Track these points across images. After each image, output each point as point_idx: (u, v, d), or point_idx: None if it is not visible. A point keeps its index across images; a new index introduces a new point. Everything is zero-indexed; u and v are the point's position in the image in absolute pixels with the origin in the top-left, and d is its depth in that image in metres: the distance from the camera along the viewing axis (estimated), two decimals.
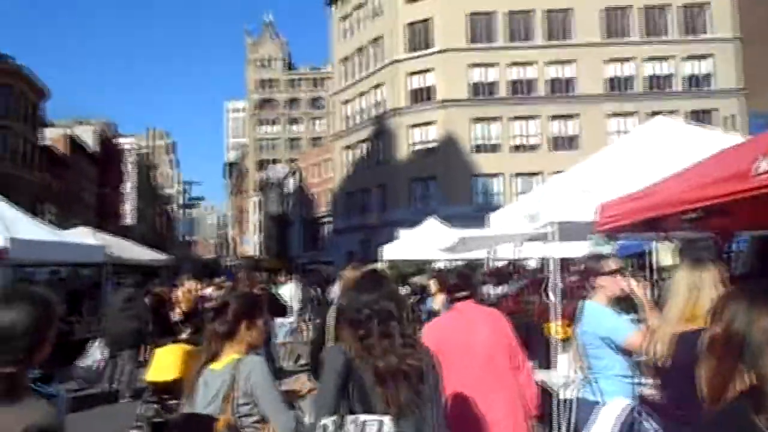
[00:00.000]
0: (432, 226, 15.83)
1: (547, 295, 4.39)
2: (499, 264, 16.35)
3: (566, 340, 4.07)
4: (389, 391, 2.31)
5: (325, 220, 54.38)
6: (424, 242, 14.90)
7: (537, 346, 4.55)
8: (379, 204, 40.92)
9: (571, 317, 4.08)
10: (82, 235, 11.05)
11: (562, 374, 4.01)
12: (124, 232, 66.02)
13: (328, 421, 2.28)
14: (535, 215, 4.06)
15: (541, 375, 4.31)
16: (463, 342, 3.48)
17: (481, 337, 3.52)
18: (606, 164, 3.87)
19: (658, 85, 37.94)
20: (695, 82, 37.53)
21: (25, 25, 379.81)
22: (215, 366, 2.73)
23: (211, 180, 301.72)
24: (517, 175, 36.82)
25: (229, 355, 2.75)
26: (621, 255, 14.71)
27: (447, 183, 36.72)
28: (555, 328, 4.12)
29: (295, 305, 14.74)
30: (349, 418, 2.27)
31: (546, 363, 4.53)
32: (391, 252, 15.39)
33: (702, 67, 37.58)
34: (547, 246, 4.34)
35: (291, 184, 63.76)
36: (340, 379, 2.35)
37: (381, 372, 2.33)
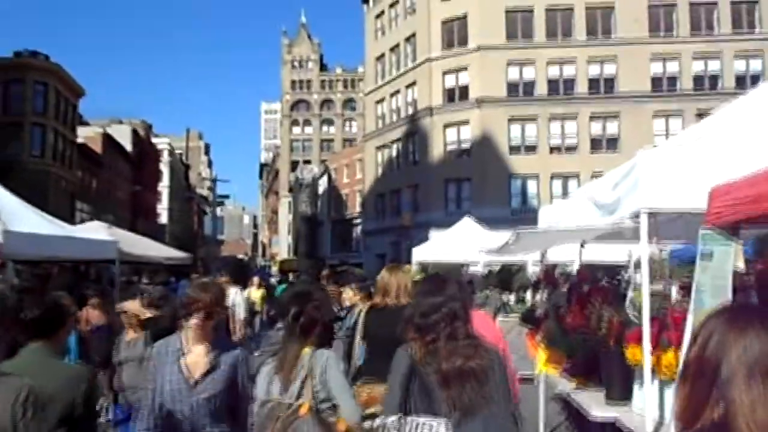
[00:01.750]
0: (467, 226, 14.84)
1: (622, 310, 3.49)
2: (536, 269, 15.31)
3: (656, 370, 3.13)
4: (453, 392, 2.36)
5: (356, 221, 53.69)
6: (458, 243, 13.93)
7: (614, 374, 3.59)
8: (411, 205, 40.01)
9: (656, 340, 3.21)
10: (94, 230, 10.42)
11: (651, 416, 3.06)
12: (158, 231, 66.62)
13: (389, 420, 2.37)
14: (613, 205, 3.12)
15: (614, 411, 3.39)
16: None
17: None
18: (711, 137, 2.91)
19: (705, 83, 36.19)
20: (745, 81, 35.63)
21: (64, 24, 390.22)
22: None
23: (247, 181, 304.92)
24: (555, 176, 35.56)
25: (302, 349, 2.97)
26: (671, 263, 13.54)
27: (482, 184, 35.59)
28: (641, 353, 3.15)
29: None
30: (408, 419, 2.34)
31: (623, 394, 3.56)
32: (423, 253, 14.46)
33: (752, 65, 35.71)
34: (631, 243, 3.73)
35: (322, 185, 63.28)
36: (405, 381, 2.42)
37: (445, 374, 2.38)
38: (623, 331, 3.49)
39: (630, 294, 3.73)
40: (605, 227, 3.43)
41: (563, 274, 6.87)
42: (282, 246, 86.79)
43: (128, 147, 63.66)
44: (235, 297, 8.99)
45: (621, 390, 3.50)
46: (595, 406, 3.62)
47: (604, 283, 5.42)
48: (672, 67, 36.51)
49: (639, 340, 3.25)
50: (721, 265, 2.64)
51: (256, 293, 14.67)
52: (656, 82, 36.51)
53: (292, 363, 2.93)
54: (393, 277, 4.14)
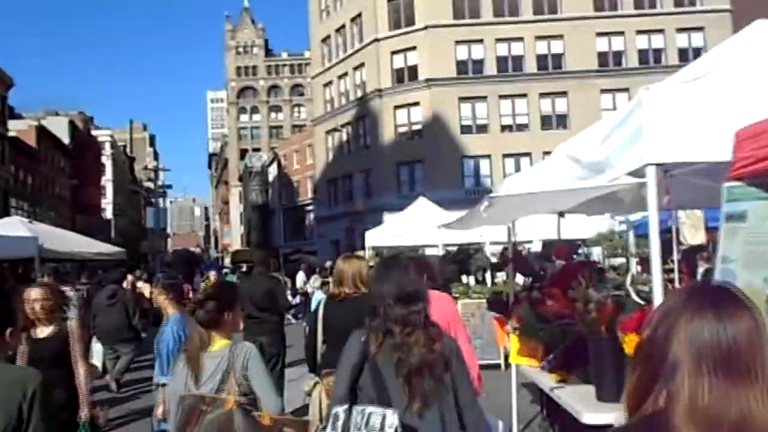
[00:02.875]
0: (422, 207, 14.26)
1: (627, 291, 2.92)
2: (494, 249, 14.87)
3: None
4: (410, 382, 2.29)
5: (309, 208, 52.69)
6: (414, 226, 13.34)
7: (606, 368, 2.97)
8: (364, 190, 39.33)
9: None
10: (12, 226, 9.36)
11: None
12: (103, 226, 64.08)
13: (340, 410, 2.29)
14: (604, 162, 2.49)
15: (609, 414, 2.78)
16: None
17: None
18: (725, 69, 2.32)
19: (650, 59, 36.57)
20: (688, 55, 36.13)
21: None
22: (209, 349, 2.89)
23: (196, 172, 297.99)
24: (507, 156, 35.42)
25: (220, 340, 2.92)
26: (637, 233, 13.21)
27: (435, 166, 35.15)
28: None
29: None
30: (356, 408, 2.26)
31: (618, 392, 2.95)
32: (377, 238, 13.81)
33: (694, 40, 36.22)
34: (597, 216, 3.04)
35: (272, 173, 61.90)
36: (356, 369, 2.36)
37: (404, 364, 2.31)
38: (618, 316, 2.89)
39: (633, 271, 3.13)
40: (602, 186, 2.82)
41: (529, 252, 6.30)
42: (234, 237, 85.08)
43: (66, 140, 60.73)
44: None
45: (615, 387, 2.92)
46: (585, 407, 3.03)
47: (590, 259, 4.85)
48: (617, 44, 36.77)
49: (639, 327, 2.65)
50: (759, 226, 2.03)
51: None
52: (603, 58, 36.70)
53: (195, 355, 2.89)
54: (348, 266, 4.08)
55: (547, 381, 3.66)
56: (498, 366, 8.84)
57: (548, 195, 2.99)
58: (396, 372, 2.33)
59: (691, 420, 1.01)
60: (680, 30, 36.29)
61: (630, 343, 2.72)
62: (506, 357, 8.83)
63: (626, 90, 34.21)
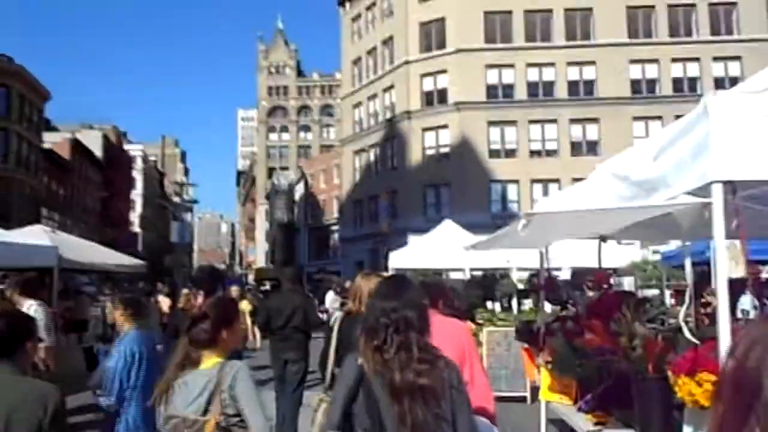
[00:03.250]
0: (447, 230, 13.93)
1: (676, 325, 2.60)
2: (521, 275, 14.42)
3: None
4: (404, 408, 2.17)
5: (334, 227, 52.61)
6: (438, 248, 13.01)
7: (653, 412, 2.64)
8: (390, 211, 39.09)
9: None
10: (34, 235, 9.31)
11: None
12: (130, 239, 64.83)
13: None
14: (658, 180, 2.19)
15: None
16: None
17: None
18: None
19: (685, 87, 35.92)
20: (724, 84, 35.42)
21: (30, 25, 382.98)
22: (200, 367, 2.78)
23: (224, 189, 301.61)
24: (535, 181, 34.95)
25: (211, 358, 2.80)
26: (674, 263, 12.58)
27: (461, 189, 34.81)
28: (698, 386, 2.22)
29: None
30: None
31: None
32: (400, 260, 13.50)
33: (731, 69, 35.51)
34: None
35: (299, 191, 62.10)
36: (351, 392, 2.26)
37: (396, 388, 2.19)
38: (668, 354, 2.56)
39: (686, 303, 2.80)
40: (658, 205, 2.50)
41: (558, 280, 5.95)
42: (259, 254, 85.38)
43: (99, 153, 61.89)
44: None
45: None
46: None
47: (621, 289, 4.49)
48: (651, 71, 36.25)
49: (694, 368, 2.33)
50: None
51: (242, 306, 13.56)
52: (635, 85, 36.19)
53: (169, 377, 2.79)
54: (366, 283, 4.02)
55: (582, 422, 3.32)
56: (524, 399, 8.44)
57: (595, 215, 2.65)
58: (388, 396, 2.21)
59: None
60: (717, 59, 35.63)
61: (683, 386, 2.38)
62: (533, 390, 8.45)
63: (659, 118, 33.58)
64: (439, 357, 2.32)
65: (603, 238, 3.89)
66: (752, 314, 10.37)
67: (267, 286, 38.68)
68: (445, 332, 3.38)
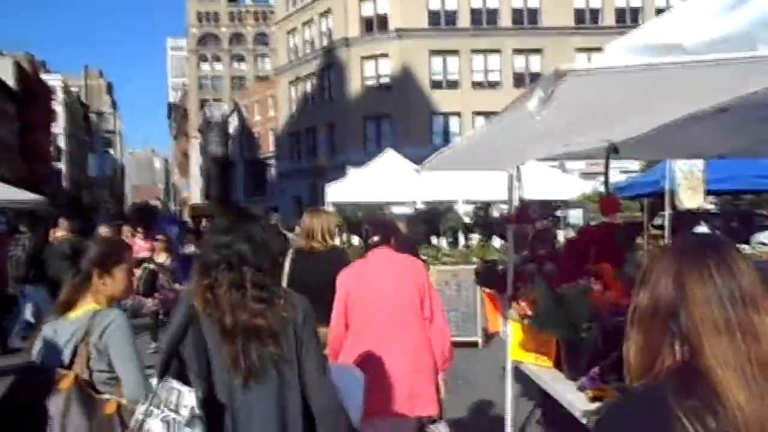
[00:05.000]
0: (390, 162, 12.97)
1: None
2: (467, 208, 13.69)
3: None
4: (236, 350, 2.03)
5: (271, 162, 50.83)
6: (380, 181, 12.08)
7: None
8: (328, 144, 37.75)
9: None
10: None
11: None
12: (53, 175, 61.08)
13: (155, 381, 2.07)
14: (737, 38, 1.28)
15: None
16: (369, 290, 3.37)
17: (388, 285, 3.38)
18: None
19: (627, 17, 35.48)
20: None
21: None
22: (68, 315, 2.54)
23: (156, 124, 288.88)
24: (478, 114, 34.21)
25: (85, 305, 2.55)
26: (625, 195, 12.14)
27: (403, 122, 33.73)
28: None
29: None
30: (164, 382, 2.01)
31: None
32: (338, 193, 12.50)
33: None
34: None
35: (233, 124, 59.51)
36: (179, 336, 2.10)
37: (228, 328, 2.05)
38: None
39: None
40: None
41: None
42: (194, 190, 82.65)
43: (11, 83, 56.99)
44: None
45: None
46: None
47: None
48: (595, 1, 35.58)
49: None
50: None
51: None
52: (579, 15, 35.49)
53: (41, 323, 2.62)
54: (316, 220, 4.08)
55: (576, 398, 2.51)
56: (475, 344, 7.78)
57: (700, 69, 1.48)
58: (219, 337, 2.06)
59: (719, 361, 1.04)
60: None
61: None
62: (486, 333, 7.83)
63: (600, 50, 33.08)
64: (278, 295, 2.15)
65: (614, 149, 2.94)
66: None
67: (204, 224, 37.16)
68: (401, 270, 3.42)
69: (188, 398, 1.95)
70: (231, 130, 60.62)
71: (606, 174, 3.16)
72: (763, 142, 3.17)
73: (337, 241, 5.57)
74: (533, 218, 3.81)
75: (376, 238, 3.49)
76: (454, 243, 11.32)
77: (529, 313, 2.72)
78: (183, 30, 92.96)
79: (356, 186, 12.60)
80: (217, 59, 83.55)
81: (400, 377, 3.21)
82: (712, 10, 1.66)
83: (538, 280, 2.80)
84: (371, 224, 3.64)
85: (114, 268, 2.62)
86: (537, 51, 34.62)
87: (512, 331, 3.18)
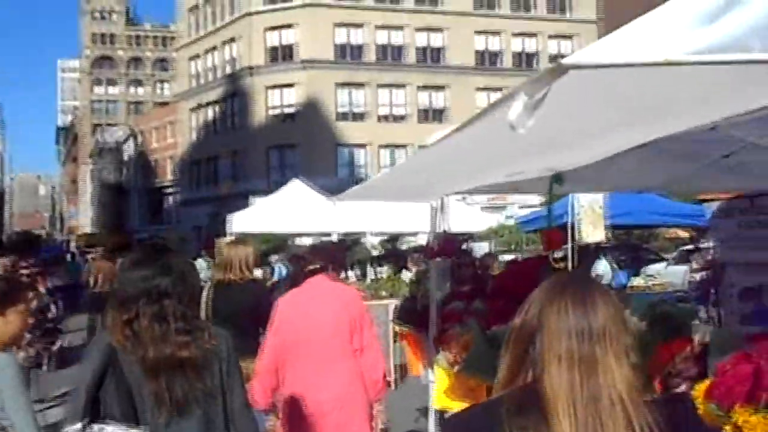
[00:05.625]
0: (296, 191, 12.58)
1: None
2: (374, 240, 13.52)
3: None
4: (161, 386, 1.98)
5: (169, 190, 48.69)
6: (286, 211, 11.65)
7: None
8: (231, 173, 36.70)
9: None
10: None
11: None
12: None
13: (72, 429, 1.91)
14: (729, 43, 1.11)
15: None
16: (298, 318, 3.33)
17: (317, 313, 3.33)
18: None
19: (523, 61, 37.40)
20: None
21: None
22: None
23: (43, 149, 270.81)
24: (384, 146, 34.59)
25: None
26: (528, 229, 12.35)
27: (308, 152, 33.41)
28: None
29: None
30: (95, 427, 1.92)
31: None
32: (242, 223, 11.93)
33: (563, 47, 37.53)
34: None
35: (128, 150, 56.73)
36: (96, 375, 1.99)
37: (150, 363, 1.99)
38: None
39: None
40: None
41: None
42: (83, 218, 77.70)
43: None
44: None
45: None
46: None
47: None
48: (494, 44, 37.25)
49: (758, 390, 1.29)
50: None
51: None
52: (480, 56, 37.01)
53: None
54: (234, 251, 4.10)
55: None
56: (388, 384, 7.46)
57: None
58: (143, 373, 1.98)
59: (555, 388, 1.15)
60: (552, 36, 37.46)
61: (744, 423, 1.34)
62: (402, 369, 7.52)
63: (500, 89, 34.68)
64: (201, 327, 2.12)
65: (558, 179, 2.72)
66: (606, 279, 10.41)
67: (93, 255, 34.69)
68: (339, 298, 3.39)
69: None
70: (126, 156, 57.75)
71: (549, 205, 2.99)
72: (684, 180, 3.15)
73: (258, 273, 5.50)
74: (457, 251, 3.58)
75: (315, 266, 3.45)
76: (362, 276, 11.05)
77: (460, 359, 2.45)
78: (76, 51, 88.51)
79: (261, 216, 12.10)
80: (113, 83, 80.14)
81: (330, 407, 3.20)
82: (692, 18, 1.46)
83: (472, 321, 2.54)
84: (311, 250, 3.60)
85: (8, 309, 2.48)
86: (441, 88, 35.65)
87: (438, 377, 2.90)
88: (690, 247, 15.77)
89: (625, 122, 1.70)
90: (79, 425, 1.92)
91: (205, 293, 3.98)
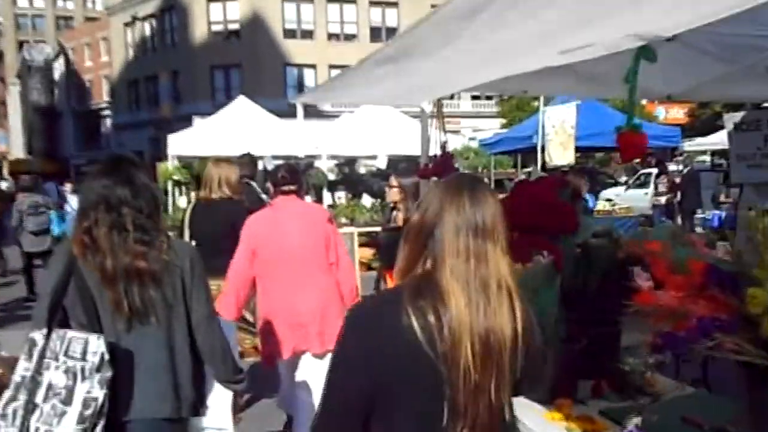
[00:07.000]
0: (241, 110, 11.56)
1: None
2: (330, 163, 12.67)
3: None
4: (118, 294, 2.02)
5: (105, 112, 45.95)
6: (231, 132, 10.69)
7: None
8: (172, 94, 34.62)
9: None
10: None
11: None
12: None
13: (38, 334, 1.94)
14: None
15: None
16: (276, 237, 3.43)
17: (294, 231, 3.45)
18: None
19: None
20: None
21: None
22: None
23: None
24: (334, 67, 33.07)
25: None
26: (496, 150, 11.78)
27: (254, 72, 31.66)
28: None
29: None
30: (57, 332, 1.94)
31: None
32: (182, 145, 10.92)
33: None
34: None
35: (58, 69, 52.94)
36: (60, 283, 2.03)
37: (108, 271, 2.02)
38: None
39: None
40: None
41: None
42: (13, 143, 73.26)
43: None
44: None
45: None
46: None
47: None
48: None
49: None
50: None
51: None
52: None
53: None
54: (215, 170, 4.08)
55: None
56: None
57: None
58: (102, 281, 2.00)
59: (452, 275, 1.29)
60: None
61: None
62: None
63: None
64: (161, 239, 2.10)
65: (647, 55, 2.05)
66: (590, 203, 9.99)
67: (26, 181, 32.66)
68: (313, 216, 3.56)
69: (95, 344, 1.90)
70: (56, 76, 53.95)
71: (631, 93, 2.24)
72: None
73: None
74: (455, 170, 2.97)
75: (290, 187, 3.49)
76: (318, 201, 10.33)
77: None
78: None
79: (203, 137, 11.09)
80: None
81: (310, 318, 3.36)
82: None
83: None
84: (286, 171, 3.57)
85: None
86: (393, 4, 34.01)
87: None
88: (649, 171, 15.62)
89: None
90: (42, 332, 1.92)
91: (187, 212, 4.10)
